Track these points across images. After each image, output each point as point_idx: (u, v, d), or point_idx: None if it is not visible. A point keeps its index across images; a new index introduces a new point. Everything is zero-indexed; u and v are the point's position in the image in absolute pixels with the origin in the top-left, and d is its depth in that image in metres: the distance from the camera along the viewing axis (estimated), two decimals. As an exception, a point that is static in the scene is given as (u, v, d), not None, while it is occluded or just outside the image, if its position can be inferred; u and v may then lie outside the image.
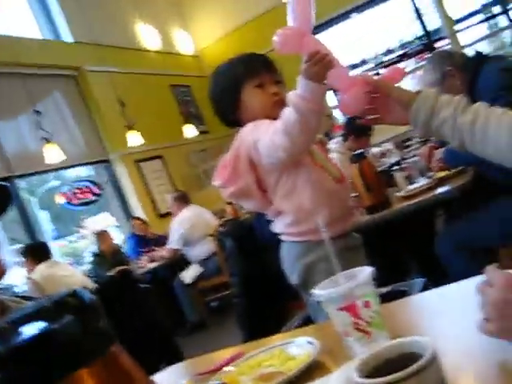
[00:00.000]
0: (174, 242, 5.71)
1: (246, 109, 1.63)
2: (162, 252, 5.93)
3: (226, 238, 3.08)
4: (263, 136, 1.48)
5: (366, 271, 0.93)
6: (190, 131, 8.00)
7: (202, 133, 9.04)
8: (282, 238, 1.65)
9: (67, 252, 9.84)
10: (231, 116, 1.66)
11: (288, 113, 1.44)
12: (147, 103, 8.45)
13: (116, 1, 8.66)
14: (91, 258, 6.30)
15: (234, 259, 2.98)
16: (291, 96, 1.44)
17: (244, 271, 2.92)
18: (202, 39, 10.92)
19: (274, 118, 1.55)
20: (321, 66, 1.39)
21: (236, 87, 1.63)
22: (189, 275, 5.53)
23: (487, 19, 11.45)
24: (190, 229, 5.58)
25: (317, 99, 1.43)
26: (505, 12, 10.72)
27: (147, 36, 8.98)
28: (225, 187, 1.59)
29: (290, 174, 1.54)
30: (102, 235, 6.32)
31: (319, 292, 0.93)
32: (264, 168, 1.54)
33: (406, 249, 3.38)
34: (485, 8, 11.52)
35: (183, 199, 5.95)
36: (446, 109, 1.26)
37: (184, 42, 10.70)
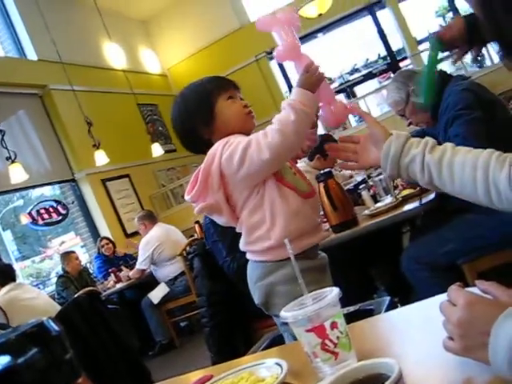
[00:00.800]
0: (141, 262, 5.65)
1: (220, 121, 1.62)
2: (130, 272, 5.87)
3: (194, 257, 3.06)
4: (243, 145, 1.48)
5: (332, 292, 0.94)
6: (157, 150, 7.97)
7: (169, 151, 9.02)
8: (247, 256, 1.65)
9: (31, 273, 9.66)
10: (204, 132, 1.63)
11: (284, 113, 1.48)
12: (114, 122, 8.41)
13: (83, 19, 8.64)
14: (57, 279, 6.18)
15: (202, 279, 2.96)
16: (287, 101, 1.50)
17: (211, 292, 2.91)
18: (168, 58, 10.96)
19: (248, 131, 1.59)
20: (316, 76, 1.52)
21: (209, 100, 1.64)
22: (157, 295, 5.47)
23: (448, 40, 11.74)
24: (157, 248, 5.54)
25: (312, 106, 1.51)
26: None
27: (114, 55, 8.95)
28: (195, 202, 1.58)
29: (258, 190, 1.55)
30: (68, 256, 6.22)
31: (286, 314, 0.94)
32: (234, 185, 1.54)
33: (373, 266, 3.42)
34: (445, 29, 11.84)
35: (150, 218, 5.90)
36: (415, 147, 1.31)
37: (151, 61, 10.71)
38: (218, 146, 1.54)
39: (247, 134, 1.59)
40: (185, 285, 5.31)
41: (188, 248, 4.76)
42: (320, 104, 1.58)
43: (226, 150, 1.51)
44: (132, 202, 8.33)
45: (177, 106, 1.70)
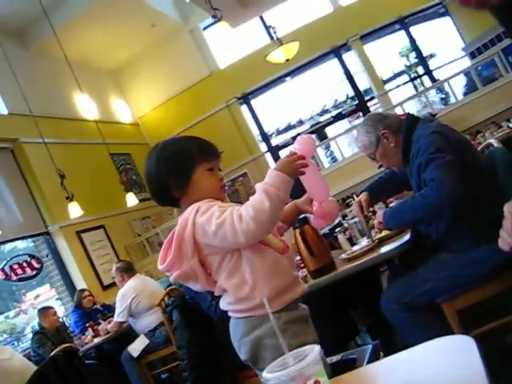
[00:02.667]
0: (118, 315, 5.53)
1: (194, 189, 1.64)
2: (107, 326, 5.74)
3: (173, 309, 3.02)
4: (218, 221, 1.49)
5: (314, 350, 0.94)
6: (131, 199, 7.93)
7: (143, 200, 8.98)
8: (230, 314, 1.65)
9: (4, 329, 9.40)
10: (176, 192, 1.65)
11: (259, 200, 1.49)
12: (87, 173, 8.38)
13: (53, 72, 8.67)
14: (32, 336, 6.01)
15: (182, 331, 2.91)
16: (262, 185, 1.51)
17: (192, 344, 2.86)
18: (140, 107, 11.04)
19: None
20: (295, 165, 1.55)
21: (189, 167, 1.66)
22: (136, 348, 5.34)
23: (412, 79, 12.11)
24: (134, 299, 5.44)
25: (286, 190, 1.52)
26: (428, 73, 11.35)
27: (85, 106, 8.96)
28: (169, 271, 1.58)
29: (233, 253, 1.56)
30: (45, 311, 6.07)
31: (268, 376, 0.93)
32: (208, 250, 1.55)
33: (354, 308, 3.41)
34: (409, 69, 12.21)
35: (127, 269, 5.80)
36: None
37: (122, 111, 10.76)
38: (190, 213, 1.54)
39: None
40: (164, 336, 5.21)
41: (166, 299, 4.69)
42: (314, 204, 1.66)
43: (199, 218, 1.52)
44: (108, 253, 8.24)
45: (154, 161, 1.69)
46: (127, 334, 5.61)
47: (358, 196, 3.08)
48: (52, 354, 3.96)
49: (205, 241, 1.52)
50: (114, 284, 6.65)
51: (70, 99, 9.04)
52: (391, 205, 3.39)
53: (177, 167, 1.65)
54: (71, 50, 8.00)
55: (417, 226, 2.73)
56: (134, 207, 8.49)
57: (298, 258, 2.85)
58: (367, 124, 2.78)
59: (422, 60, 11.45)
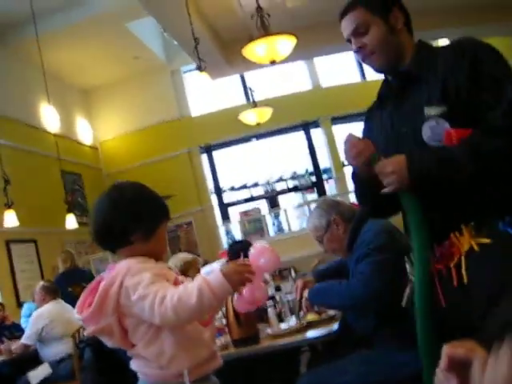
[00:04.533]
0: (27, 337, 5.29)
1: (154, 241, 1.65)
2: (12, 346, 5.45)
3: (86, 347, 2.92)
4: (142, 292, 1.48)
5: None
6: (70, 221, 7.73)
7: (82, 224, 8.77)
8: (139, 376, 1.61)
9: None
10: (133, 237, 1.62)
11: (189, 294, 1.46)
12: (33, 184, 8.17)
13: (24, 75, 8.55)
14: None
15: (90, 372, 2.81)
16: (201, 282, 1.48)
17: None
18: (102, 132, 10.95)
19: (157, 258, 1.65)
20: (241, 278, 1.52)
21: (160, 218, 1.69)
22: (37, 375, 5.08)
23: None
24: (48, 325, 5.22)
25: (221, 300, 1.55)
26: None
27: (47, 116, 8.84)
28: (86, 323, 1.55)
29: (151, 323, 1.54)
30: None
31: None
32: (128, 312, 1.53)
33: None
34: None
35: (52, 291, 5.58)
36: None
37: (84, 132, 10.64)
38: (119, 271, 1.54)
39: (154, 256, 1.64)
40: (70, 369, 4.99)
41: (81, 332, 4.53)
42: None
43: (127, 280, 1.52)
44: (33, 270, 7.94)
45: (114, 202, 1.66)
46: (30, 359, 5.34)
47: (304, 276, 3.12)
48: None
49: (126, 303, 1.51)
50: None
51: (34, 106, 8.90)
52: None
53: (151, 213, 1.65)
54: (49, 60, 7.93)
55: (345, 316, 2.77)
56: (72, 229, 8.27)
57: (224, 321, 2.83)
58: (321, 207, 2.85)
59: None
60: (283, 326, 2.83)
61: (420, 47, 1.80)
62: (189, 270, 3.37)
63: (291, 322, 2.88)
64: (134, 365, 1.62)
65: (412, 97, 1.73)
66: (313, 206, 9.36)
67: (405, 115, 1.74)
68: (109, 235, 1.66)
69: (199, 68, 5.50)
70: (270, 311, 3.05)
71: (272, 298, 3.46)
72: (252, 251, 1.66)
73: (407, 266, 1.81)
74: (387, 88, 1.89)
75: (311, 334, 2.67)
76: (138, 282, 1.50)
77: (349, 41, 1.81)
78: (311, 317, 2.91)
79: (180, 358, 1.53)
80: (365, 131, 1.99)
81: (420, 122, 1.63)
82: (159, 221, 1.67)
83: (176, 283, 1.56)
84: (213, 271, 1.54)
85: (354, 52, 1.80)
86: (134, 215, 1.62)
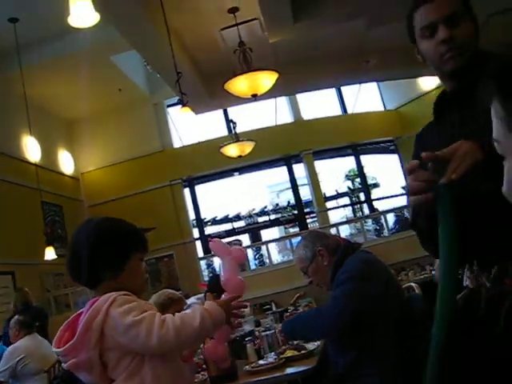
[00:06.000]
0: (0, 373, 5.14)
1: (126, 276, 1.62)
2: (-16, 382, 5.31)
3: (60, 382, 2.85)
4: (135, 318, 1.47)
5: None
6: (49, 253, 7.63)
7: (62, 256, 8.65)
8: None
9: None
10: (103, 275, 1.60)
11: (191, 317, 1.52)
12: (12, 214, 8.07)
13: (5, 107, 8.52)
14: None
15: (63, 411, 2.74)
16: (201, 309, 1.55)
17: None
18: (84, 163, 10.91)
19: (136, 293, 1.62)
20: (230, 313, 1.63)
21: (128, 252, 1.66)
22: (9, 413, 4.95)
23: (352, 204, 12.58)
24: (22, 360, 5.08)
25: (217, 328, 1.60)
26: (368, 201, 11.81)
27: (28, 146, 8.81)
28: (65, 356, 1.52)
29: (135, 355, 1.52)
30: None
31: None
32: (114, 344, 1.50)
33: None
34: (352, 192, 12.70)
35: (27, 326, 5.45)
36: None
37: (66, 162, 10.59)
38: (103, 302, 1.51)
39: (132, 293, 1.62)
40: (43, 406, 4.87)
41: (57, 367, 4.43)
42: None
43: (114, 309, 1.49)
44: (9, 302, 7.78)
45: (89, 236, 1.65)
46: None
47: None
48: None
49: (112, 334, 1.49)
50: (5, 336, 6.24)
51: (16, 137, 8.85)
52: None
53: (115, 251, 1.63)
54: (32, 91, 7.94)
55: (325, 352, 2.76)
56: (50, 261, 8.16)
57: (202, 357, 2.80)
58: (307, 239, 2.89)
59: (366, 187, 11.94)
60: (262, 362, 2.80)
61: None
62: (170, 308, 3.32)
63: (270, 358, 2.85)
64: None
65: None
66: (294, 239, 9.40)
67: (473, 126, 1.35)
68: (78, 272, 1.64)
69: (181, 102, 5.53)
70: (249, 347, 3.02)
71: (251, 333, 3.43)
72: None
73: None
74: (447, 101, 1.58)
75: (290, 370, 2.64)
76: (128, 311, 1.49)
77: (429, 27, 1.50)
78: (290, 352, 2.88)
79: None
80: (417, 155, 1.56)
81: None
82: (129, 256, 1.65)
83: None
84: (205, 302, 1.62)
85: (440, 43, 1.48)
86: (98, 252, 1.61)
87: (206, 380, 2.66)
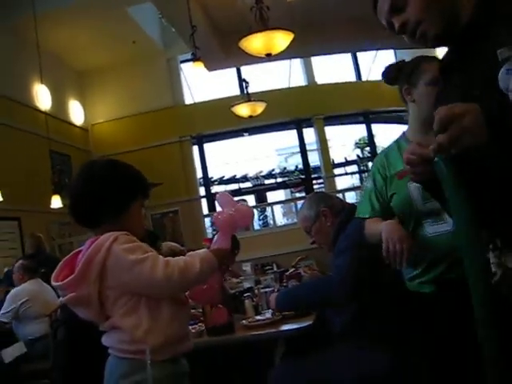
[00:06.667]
0: (3, 314, 5.25)
1: (126, 219, 1.64)
2: (-13, 322, 5.41)
3: (60, 326, 2.91)
4: (140, 256, 1.52)
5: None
6: (56, 202, 7.68)
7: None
8: (111, 351, 1.61)
9: None
10: (105, 217, 1.61)
11: (193, 262, 1.59)
12: (20, 161, 8.10)
13: (18, 52, 8.47)
14: None
15: (62, 352, 2.80)
16: (198, 256, 1.63)
17: (68, 369, 2.74)
18: (94, 115, 10.88)
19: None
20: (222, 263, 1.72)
21: (131, 196, 1.66)
22: (11, 353, 5.05)
23: (360, 172, 12.53)
24: (25, 304, 5.19)
25: (211, 274, 1.68)
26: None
27: (39, 95, 8.79)
28: (65, 290, 1.54)
29: (133, 293, 1.54)
30: None
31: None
32: (112, 282, 1.52)
33: (241, 377, 3.38)
34: (361, 160, 12.64)
35: (31, 270, 5.54)
36: None
37: (76, 113, 10.58)
38: (105, 240, 1.52)
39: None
40: (45, 349, 4.97)
41: (59, 312, 4.51)
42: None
43: (117, 246, 1.50)
44: (14, 248, 7.89)
45: (92, 179, 1.66)
46: (6, 337, 5.32)
47: None
48: None
49: (115, 271, 1.50)
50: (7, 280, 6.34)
51: (27, 84, 8.83)
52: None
53: (119, 192, 1.64)
54: (45, 39, 7.88)
55: (321, 311, 2.79)
56: (57, 210, 8.22)
57: (201, 310, 2.83)
58: (312, 199, 2.90)
59: (375, 156, 11.88)
60: (259, 317, 2.84)
61: None
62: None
63: (267, 314, 2.89)
64: (106, 340, 1.61)
65: (483, 54, 1.26)
66: (300, 203, 9.41)
67: (475, 77, 1.28)
68: (79, 214, 1.66)
69: (194, 56, 5.47)
70: (247, 302, 3.06)
71: (250, 289, 3.47)
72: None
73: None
74: (449, 57, 1.45)
75: (286, 326, 2.68)
76: (132, 249, 1.52)
77: (391, 27, 1.40)
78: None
79: (155, 332, 1.53)
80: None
81: (495, 76, 1.14)
82: (130, 198, 1.66)
83: None
84: (201, 250, 1.69)
85: (400, 34, 1.39)
86: (100, 194, 1.62)
87: (203, 331, 2.70)
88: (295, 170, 12.10)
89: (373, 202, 2.24)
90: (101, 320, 1.58)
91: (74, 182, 1.71)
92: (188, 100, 11.03)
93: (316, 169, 11.54)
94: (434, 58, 2.08)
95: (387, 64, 2.29)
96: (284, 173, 12.28)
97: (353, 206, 2.86)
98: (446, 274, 2.01)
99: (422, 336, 2.12)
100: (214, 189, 11.36)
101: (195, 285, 1.69)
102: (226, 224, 1.83)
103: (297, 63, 11.20)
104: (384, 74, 2.25)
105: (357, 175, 12.79)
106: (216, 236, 1.84)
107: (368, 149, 12.29)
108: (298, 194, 12.29)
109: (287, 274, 3.47)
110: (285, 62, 10.38)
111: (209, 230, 10.51)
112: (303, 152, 11.18)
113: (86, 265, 1.50)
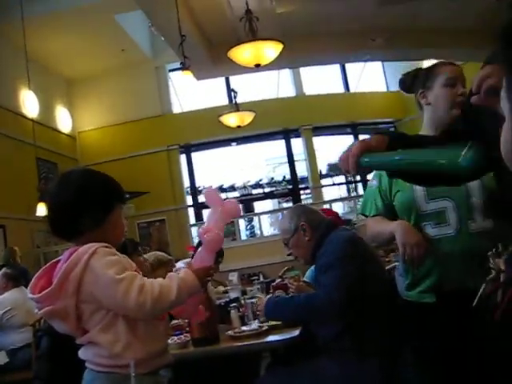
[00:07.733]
0: (-15, 323, 5.18)
1: (107, 227, 1.61)
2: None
3: (43, 336, 2.87)
4: (115, 277, 1.47)
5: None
6: (41, 209, 7.61)
7: (54, 213, 8.66)
8: (87, 365, 1.58)
9: None
10: (85, 226, 1.59)
11: (169, 289, 1.52)
12: (6, 169, 8.04)
13: (5, 59, 8.42)
14: None
15: (44, 362, 2.76)
16: (178, 279, 1.56)
17: (50, 379, 2.70)
18: (82, 122, 10.85)
19: (114, 246, 1.61)
20: (205, 280, 1.68)
21: (111, 203, 1.64)
22: (-8, 363, 4.99)
23: (347, 183, 12.56)
24: (8, 313, 5.12)
25: (190, 296, 1.61)
26: (363, 181, 11.81)
27: (26, 101, 8.74)
28: (41, 303, 1.51)
29: (109, 310, 1.52)
30: None
31: None
32: (88, 297, 1.50)
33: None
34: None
35: (15, 279, 5.47)
36: None
37: (63, 120, 10.52)
38: (84, 253, 1.49)
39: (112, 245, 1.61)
40: (27, 359, 4.90)
41: (42, 322, 4.45)
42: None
43: (95, 261, 1.48)
44: (-1, 255, 7.80)
45: (71, 188, 1.62)
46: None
47: None
48: None
49: (90, 287, 1.48)
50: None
51: (14, 91, 8.79)
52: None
53: (100, 200, 1.61)
54: (33, 45, 7.84)
55: (307, 324, 2.77)
56: (42, 218, 8.14)
57: (187, 320, 2.81)
58: (293, 212, 2.88)
59: (362, 168, 11.92)
60: (244, 328, 2.82)
61: None
62: (158, 269, 3.32)
63: (253, 325, 2.87)
64: (83, 354, 1.58)
65: None
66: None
67: None
68: (57, 225, 1.63)
69: (183, 65, 5.47)
70: (233, 313, 3.03)
71: (237, 300, 3.45)
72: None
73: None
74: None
75: (272, 337, 2.66)
76: (109, 265, 1.48)
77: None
78: (274, 321, 2.90)
79: (134, 348, 1.51)
80: None
81: None
82: (110, 207, 1.64)
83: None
84: (182, 270, 1.62)
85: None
86: (78, 203, 1.58)
87: (188, 342, 2.67)
88: (283, 180, 12.10)
89: (377, 201, 2.23)
90: (77, 334, 1.55)
91: (51, 193, 1.65)
92: (176, 109, 11.02)
93: (303, 179, 11.57)
94: (450, 62, 2.13)
95: (403, 73, 2.30)
96: (271, 183, 12.28)
97: (331, 220, 2.85)
98: (445, 281, 1.99)
99: (420, 347, 2.11)
100: (201, 198, 11.33)
101: (170, 310, 1.66)
102: (213, 243, 1.79)
103: (286, 74, 11.24)
104: (401, 82, 2.27)
105: (344, 186, 12.82)
106: (200, 249, 1.79)
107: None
108: (285, 205, 12.27)
109: (274, 284, 3.46)
110: (274, 73, 10.41)
111: (196, 240, 10.47)
112: (291, 162, 11.20)
113: (64, 278, 1.47)
